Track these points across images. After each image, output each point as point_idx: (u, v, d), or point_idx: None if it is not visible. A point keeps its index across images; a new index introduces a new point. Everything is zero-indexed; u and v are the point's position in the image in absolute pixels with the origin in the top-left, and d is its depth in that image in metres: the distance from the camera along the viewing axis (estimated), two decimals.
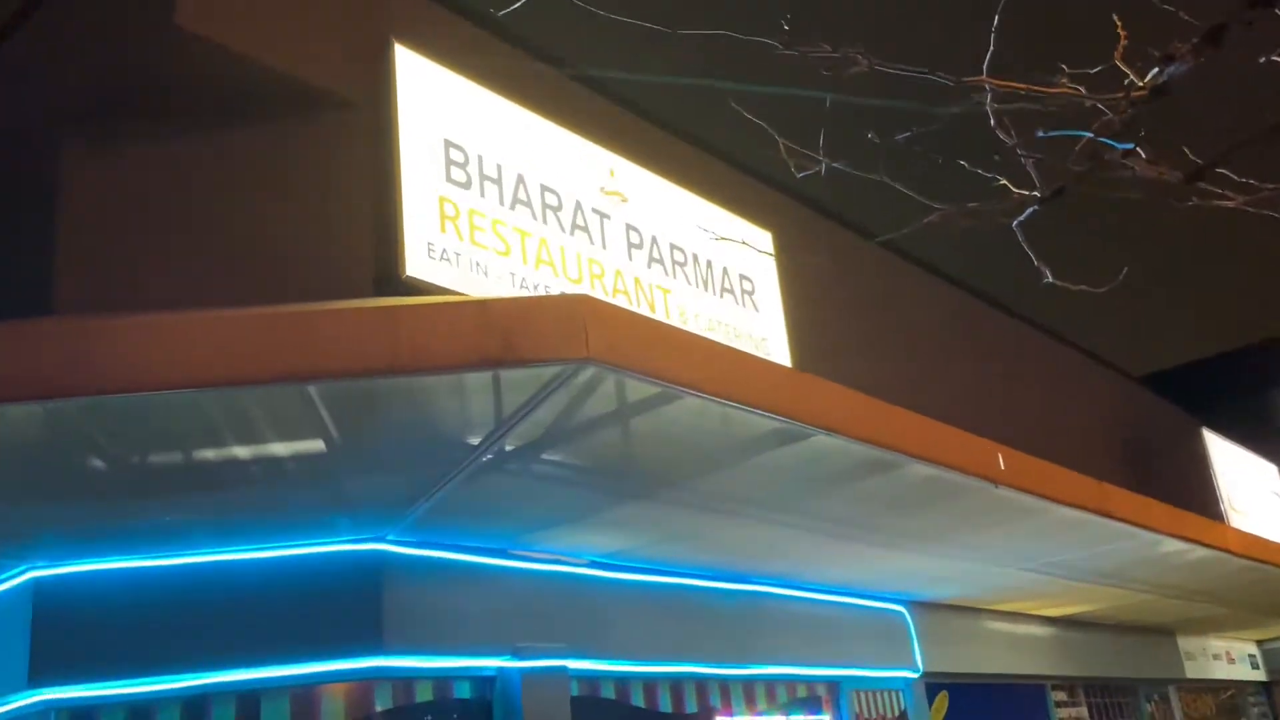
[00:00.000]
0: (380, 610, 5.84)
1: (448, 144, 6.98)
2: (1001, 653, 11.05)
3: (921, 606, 9.96)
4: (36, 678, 5.49)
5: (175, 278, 5.78)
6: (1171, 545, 9.02)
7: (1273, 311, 15.84)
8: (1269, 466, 18.70)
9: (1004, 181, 4.76)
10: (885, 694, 9.51)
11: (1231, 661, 16.17)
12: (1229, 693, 16.23)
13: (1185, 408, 17.78)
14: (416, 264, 6.51)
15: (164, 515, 5.32)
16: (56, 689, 5.51)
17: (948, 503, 6.97)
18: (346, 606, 5.82)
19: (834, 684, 8.93)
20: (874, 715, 9.31)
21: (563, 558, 6.91)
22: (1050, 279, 5.09)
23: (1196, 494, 15.57)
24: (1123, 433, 15.72)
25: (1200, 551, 9.47)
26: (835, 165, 4.89)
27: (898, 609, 9.72)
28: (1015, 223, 4.82)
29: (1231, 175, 4.65)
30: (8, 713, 5.76)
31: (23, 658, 5.53)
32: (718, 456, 5.67)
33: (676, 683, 7.57)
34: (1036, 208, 4.74)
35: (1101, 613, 12.10)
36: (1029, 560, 8.97)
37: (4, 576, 5.80)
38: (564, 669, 6.62)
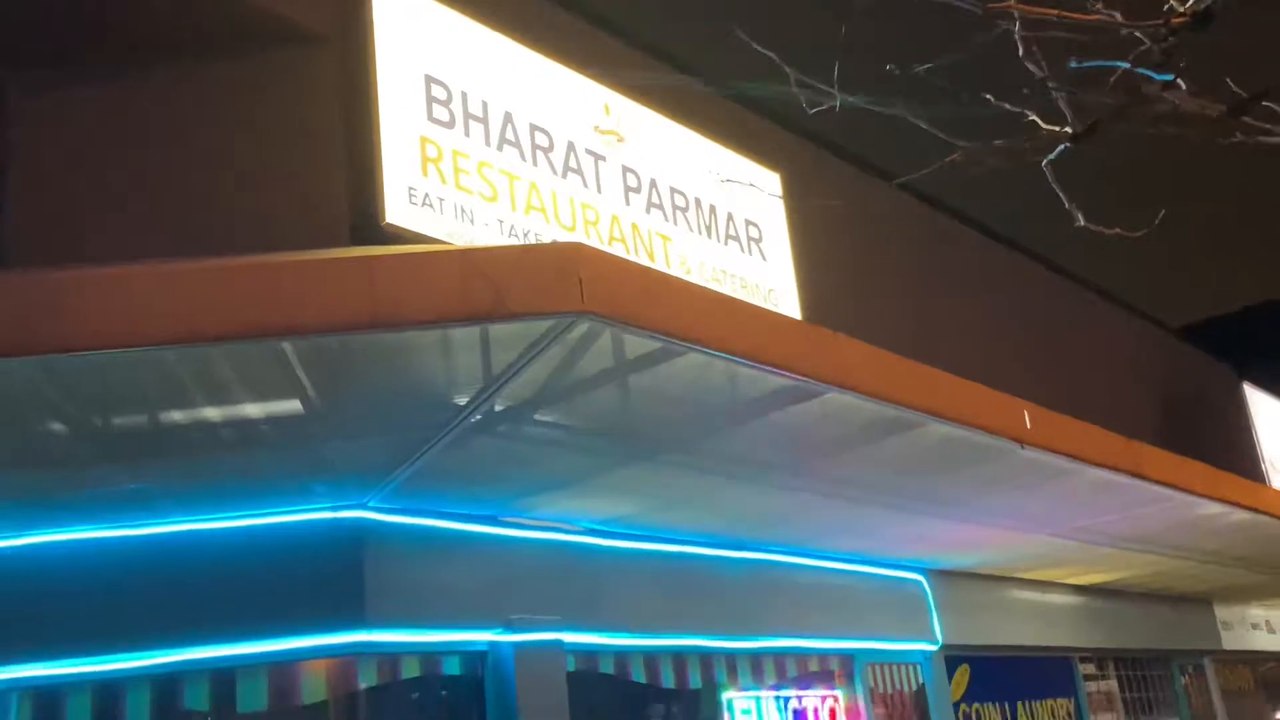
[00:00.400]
0: (362, 581, 5.87)
1: (429, 80, 6.90)
2: (1026, 624, 11.14)
3: (941, 575, 10.02)
4: None
5: (134, 228, 5.75)
6: (1209, 508, 9.05)
7: None
8: None
9: (1033, 117, 4.70)
10: (902, 667, 9.59)
11: (1272, 631, 16.31)
12: (1269, 664, 16.38)
13: (1225, 361, 17.78)
14: (397, 210, 6.47)
15: (129, 482, 5.32)
16: (17, 667, 5.55)
17: (970, 465, 6.98)
18: (326, 578, 5.85)
19: (848, 657, 9.01)
20: (890, 690, 9.40)
21: (558, 525, 6.94)
22: (1082, 222, 5.04)
23: (1236, 452, 15.62)
24: (1158, 388, 15.75)
25: (1240, 514, 9.50)
26: (850, 100, 4.83)
27: (915, 578, 9.78)
28: (1045, 162, 4.77)
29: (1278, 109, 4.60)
30: None
31: None
32: (723, 416, 5.66)
33: (679, 657, 7.63)
34: (1068, 145, 4.68)
35: (1133, 581, 12.17)
36: (1056, 525, 9.01)
37: None
38: (559, 643, 6.67)
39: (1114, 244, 5.60)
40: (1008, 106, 4.86)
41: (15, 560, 5.65)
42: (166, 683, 5.67)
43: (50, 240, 5.51)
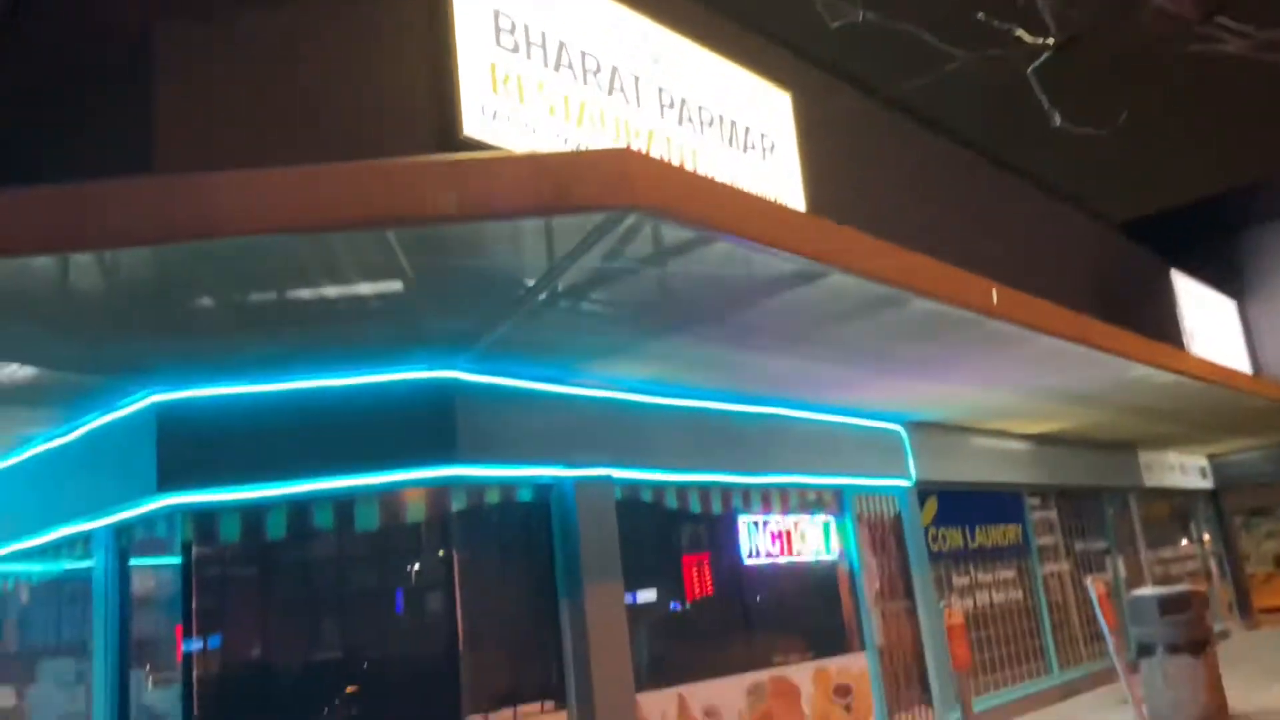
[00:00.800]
0: (454, 427, 5.98)
1: (496, 13, 6.74)
2: (984, 465, 11.24)
3: (916, 425, 10.08)
4: (164, 485, 5.72)
5: (258, 138, 5.70)
6: (1141, 370, 9.03)
7: (1248, 155, 15.26)
8: (1229, 302, 18.48)
9: (1020, 32, 4.53)
10: (883, 499, 9.74)
11: (1184, 473, 16.39)
12: (1179, 499, 16.51)
13: (1158, 252, 17.45)
14: (473, 124, 6.39)
15: (265, 347, 5.40)
16: (181, 494, 5.74)
17: (946, 334, 6.97)
18: (425, 424, 5.96)
19: (838, 491, 9.14)
20: (873, 515, 9.56)
21: (608, 385, 7.01)
22: (1059, 123, 4.90)
23: (1162, 329, 15.46)
24: (1098, 274, 15.52)
25: (1165, 376, 9.48)
26: (869, 15, 4.67)
27: (895, 428, 9.84)
28: (1030, 69, 4.61)
29: (1232, 23, 4.41)
30: (142, 514, 6.02)
31: (151, 469, 5.74)
32: (745, 295, 5.65)
33: (704, 489, 7.77)
34: (1049, 55, 4.51)
35: (1072, 430, 12.22)
36: (1014, 384, 9.02)
37: (130, 400, 5.97)
38: (609, 478, 6.81)
39: (1067, 148, 5.45)
40: (996, 23, 4.68)
41: (175, 409, 5.80)
42: (300, 506, 5.84)
43: (191, 146, 5.48)
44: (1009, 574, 11.30)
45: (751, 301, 5.78)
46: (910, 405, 9.40)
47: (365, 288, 4.82)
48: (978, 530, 10.94)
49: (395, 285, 4.87)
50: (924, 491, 10.12)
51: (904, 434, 9.91)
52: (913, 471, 9.89)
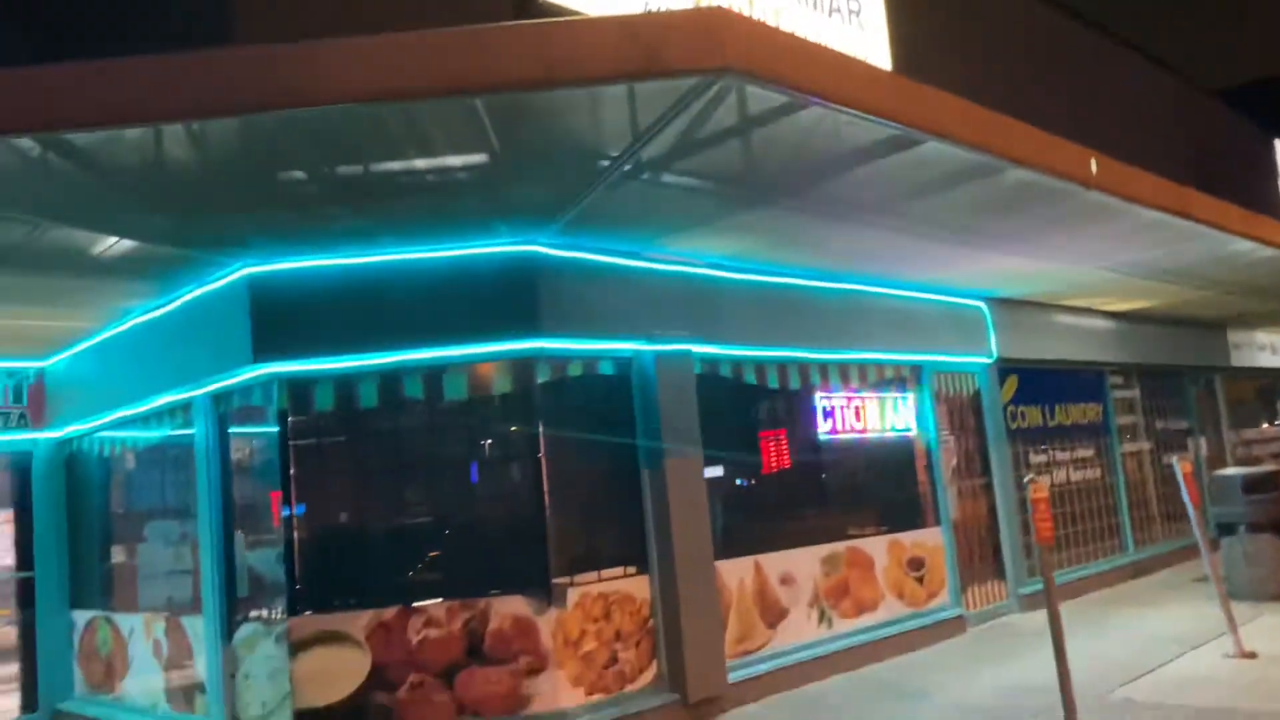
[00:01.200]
0: (536, 301, 6.01)
1: None
2: (1067, 342, 10.99)
3: (999, 302, 9.86)
4: (259, 355, 5.89)
5: (340, 7, 5.60)
6: (1240, 244, 8.64)
7: None
8: None
9: None
10: (962, 376, 9.63)
11: (1275, 353, 15.86)
12: (1267, 380, 16.03)
13: (1260, 123, 16.50)
14: None
15: (353, 220, 5.43)
16: (275, 364, 5.91)
17: (1041, 205, 6.72)
18: (511, 298, 6.01)
19: (917, 368, 9.05)
20: (951, 393, 9.48)
21: (689, 261, 6.94)
22: None
23: (1261, 201, 14.73)
24: (1198, 145, 14.75)
25: (1265, 250, 9.06)
26: None
27: (977, 304, 9.64)
28: None
29: None
30: (238, 383, 6.22)
31: (245, 339, 5.91)
32: (834, 164, 5.49)
33: (783, 365, 7.75)
34: None
35: (1161, 308, 11.84)
36: (1107, 259, 8.71)
37: (224, 273, 6.10)
38: (689, 352, 6.81)
39: (1169, 9, 5.08)
40: None
41: (268, 281, 5.91)
42: (391, 376, 5.98)
43: (272, 17, 5.41)
44: (1087, 453, 11.19)
45: (839, 172, 5.62)
46: (994, 281, 9.17)
47: (452, 159, 4.78)
48: (1057, 408, 10.80)
49: (481, 157, 4.82)
50: (1004, 369, 9.97)
51: (986, 310, 9.71)
52: (993, 348, 9.73)
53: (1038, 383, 10.48)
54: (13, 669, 8.42)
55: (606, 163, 5.04)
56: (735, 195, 5.84)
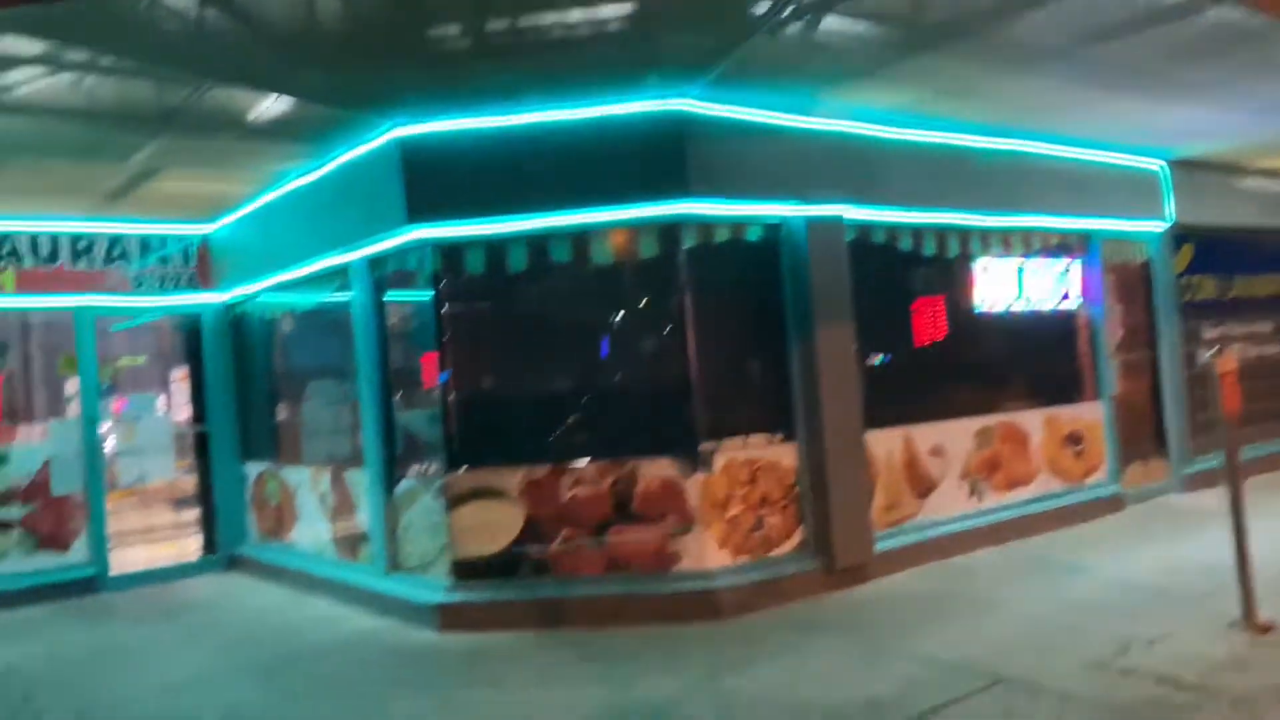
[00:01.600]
0: (684, 161, 5.83)
1: None
2: (1252, 207, 10.08)
3: (1178, 163, 9.08)
4: (412, 217, 5.94)
5: None
6: None
7: None
8: None
9: None
10: (1133, 244, 8.99)
11: None
12: None
13: None
14: None
15: (502, 76, 5.31)
16: (428, 226, 5.95)
17: (1240, 50, 6.02)
18: (657, 158, 5.84)
19: (1085, 235, 8.48)
20: (1121, 261, 8.88)
21: (845, 117, 6.58)
22: None
23: None
24: None
25: None
26: None
27: (1154, 165, 8.91)
28: None
29: None
30: (393, 247, 6.31)
31: (399, 202, 5.96)
32: (1009, 1, 5.02)
33: (941, 231, 7.36)
34: None
35: None
36: None
37: (375, 134, 6.12)
38: (840, 218, 6.52)
39: None
40: None
41: (421, 143, 5.92)
42: (539, 241, 5.94)
43: None
44: (1266, 328, 10.39)
45: (1016, 11, 5.14)
46: (1176, 139, 8.41)
47: (605, 9, 4.56)
48: (1236, 280, 10.01)
49: (634, 4, 4.59)
50: (1179, 236, 9.25)
51: (1164, 172, 8.96)
52: (1170, 213, 9.02)
53: (1216, 252, 9.71)
54: (194, 515, 9.13)
55: (766, 6, 4.74)
56: (902, 40, 5.44)
